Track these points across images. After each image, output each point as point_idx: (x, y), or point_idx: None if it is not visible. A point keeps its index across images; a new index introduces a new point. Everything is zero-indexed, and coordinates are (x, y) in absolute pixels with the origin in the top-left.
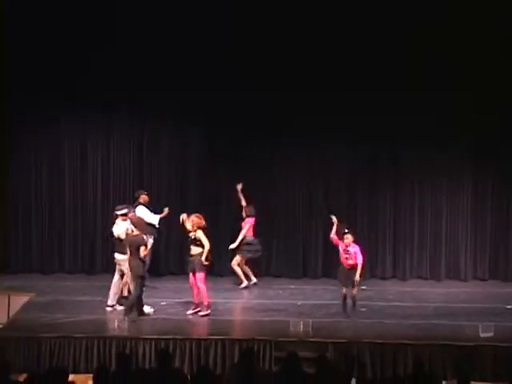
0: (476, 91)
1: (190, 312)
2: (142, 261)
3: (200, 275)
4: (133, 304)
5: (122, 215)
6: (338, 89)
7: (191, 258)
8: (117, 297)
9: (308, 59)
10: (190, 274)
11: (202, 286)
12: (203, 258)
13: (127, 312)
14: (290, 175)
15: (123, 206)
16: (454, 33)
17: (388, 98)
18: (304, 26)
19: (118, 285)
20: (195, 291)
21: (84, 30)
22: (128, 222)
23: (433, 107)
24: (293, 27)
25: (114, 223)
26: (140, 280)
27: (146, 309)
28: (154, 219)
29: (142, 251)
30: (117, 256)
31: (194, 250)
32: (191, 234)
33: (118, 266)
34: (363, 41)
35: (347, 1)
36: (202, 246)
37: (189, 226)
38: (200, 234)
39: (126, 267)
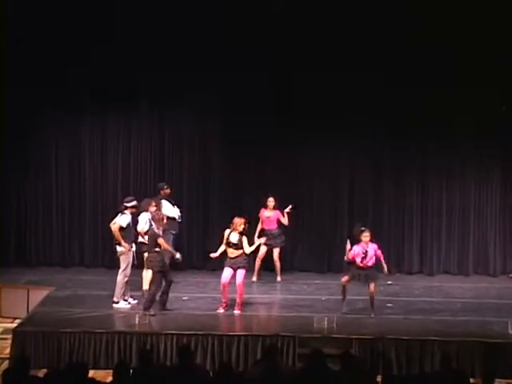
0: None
1: (221, 311)
2: (161, 255)
3: (242, 272)
4: (152, 299)
5: (132, 207)
6: (361, 86)
7: (234, 260)
8: (122, 291)
9: (332, 45)
10: (230, 272)
11: (242, 284)
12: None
13: (146, 307)
14: (315, 170)
15: (132, 198)
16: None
17: (415, 96)
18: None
19: (122, 279)
20: (227, 289)
21: (93, 23)
22: (129, 214)
23: (460, 104)
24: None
25: (121, 213)
26: (158, 275)
27: (122, 304)
28: (175, 213)
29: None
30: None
31: (236, 252)
32: (237, 238)
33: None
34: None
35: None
36: (242, 248)
37: (241, 229)
38: (245, 239)
39: (122, 258)
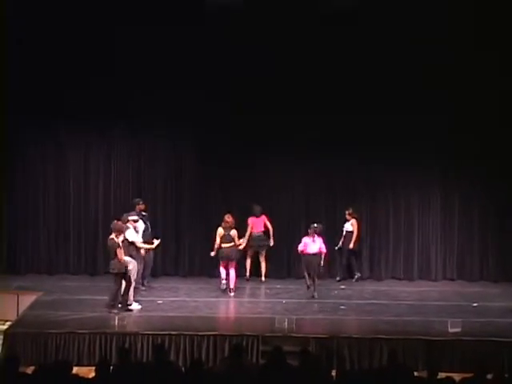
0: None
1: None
2: (120, 261)
3: (233, 263)
4: (115, 297)
5: (134, 221)
6: (314, 109)
7: (227, 250)
8: (132, 294)
9: (289, 81)
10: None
11: (233, 272)
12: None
13: (110, 306)
14: (274, 188)
15: (134, 213)
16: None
17: (363, 121)
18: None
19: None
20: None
21: (85, 53)
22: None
23: (406, 130)
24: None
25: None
26: (117, 277)
27: (135, 306)
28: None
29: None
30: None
31: (229, 243)
32: (229, 231)
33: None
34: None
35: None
36: (233, 241)
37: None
38: (235, 232)
39: (129, 268)
